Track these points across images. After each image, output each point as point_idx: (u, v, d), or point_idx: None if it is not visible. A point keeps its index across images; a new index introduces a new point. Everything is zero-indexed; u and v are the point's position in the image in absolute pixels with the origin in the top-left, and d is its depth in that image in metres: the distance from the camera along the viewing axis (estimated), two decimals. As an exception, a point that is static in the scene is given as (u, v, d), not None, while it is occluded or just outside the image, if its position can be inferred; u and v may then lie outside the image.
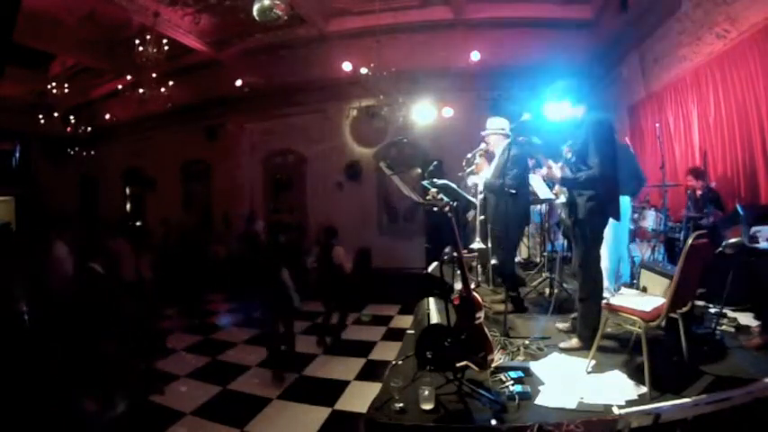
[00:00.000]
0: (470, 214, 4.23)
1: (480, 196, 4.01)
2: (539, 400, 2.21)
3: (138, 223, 10.61)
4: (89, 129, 10.32)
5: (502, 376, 2.43)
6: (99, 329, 3.27)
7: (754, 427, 2.11)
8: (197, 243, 8.05)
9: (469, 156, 4.03)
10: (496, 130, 3.78)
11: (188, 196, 10.68)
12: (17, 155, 11.04)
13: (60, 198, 11.00)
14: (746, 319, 3.05)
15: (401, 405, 2.17)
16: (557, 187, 3.08)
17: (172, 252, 7.15)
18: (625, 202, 4.05)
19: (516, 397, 2.21)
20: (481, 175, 3.96)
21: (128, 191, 11.64)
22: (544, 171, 2.93)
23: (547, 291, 4.01)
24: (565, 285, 3.87)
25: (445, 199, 2.81)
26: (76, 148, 11.09)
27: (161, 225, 7.96)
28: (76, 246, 4.15)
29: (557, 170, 2.81)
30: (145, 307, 3.65)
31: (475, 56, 7.46)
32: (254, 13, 4.68)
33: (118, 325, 3.38)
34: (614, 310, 2.42)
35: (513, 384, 2.32)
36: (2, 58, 2.13)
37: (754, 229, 3.16)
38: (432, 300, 3.28)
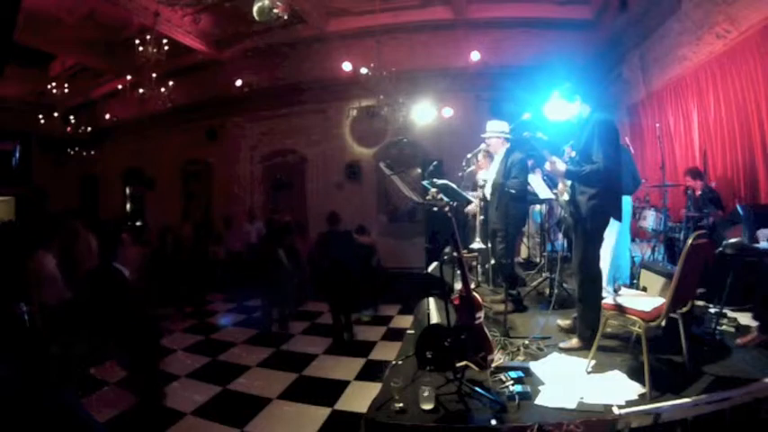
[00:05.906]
0: (471, 207, 4.20)
1: (480, 192, 4.00)
2: (539, 400, 2.20)
3: (138, 223, 10.61)
4: (89, 129, 10.33)
5: (502, 376, 2.43)
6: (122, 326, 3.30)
7: (754, 427, 2.11)
8: (199, 243, 8.05)
9: (469, 156, 4.02)
10: (496, 134, 3.77)
11: (188, 196, 10.68)
12: (17, 155, 11.04)
13: (60, 198, 11.00)
14: (746, 319, 3.05)
15: (401, 405, 2.17)
16: (560, 185, 3.07)
17: (176, 252, 7.15)
18: (626, 201, 4.05)
19: (516, 397, 2.20)
20: (489, 171, 3.92)
21: (128, 191, 11.64)
22: (548, 166, 2.91)
23: (547, 291, 4.01)
24: (565, 285, 3.87)
25: (445, 199, 2.81)
26: (76, 148, 11.09)
27: (183, 220, 7.93)
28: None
29: (560, 164, 2.78)
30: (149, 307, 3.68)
31: (475, 56, 7.46)
32: (254, 13, 4.68)
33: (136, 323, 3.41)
34: (614, 309, 2.42)
35: (513, 384, 2.32)
36: (2, 58, 2.12)
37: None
38: (432, 300, 3.28)
